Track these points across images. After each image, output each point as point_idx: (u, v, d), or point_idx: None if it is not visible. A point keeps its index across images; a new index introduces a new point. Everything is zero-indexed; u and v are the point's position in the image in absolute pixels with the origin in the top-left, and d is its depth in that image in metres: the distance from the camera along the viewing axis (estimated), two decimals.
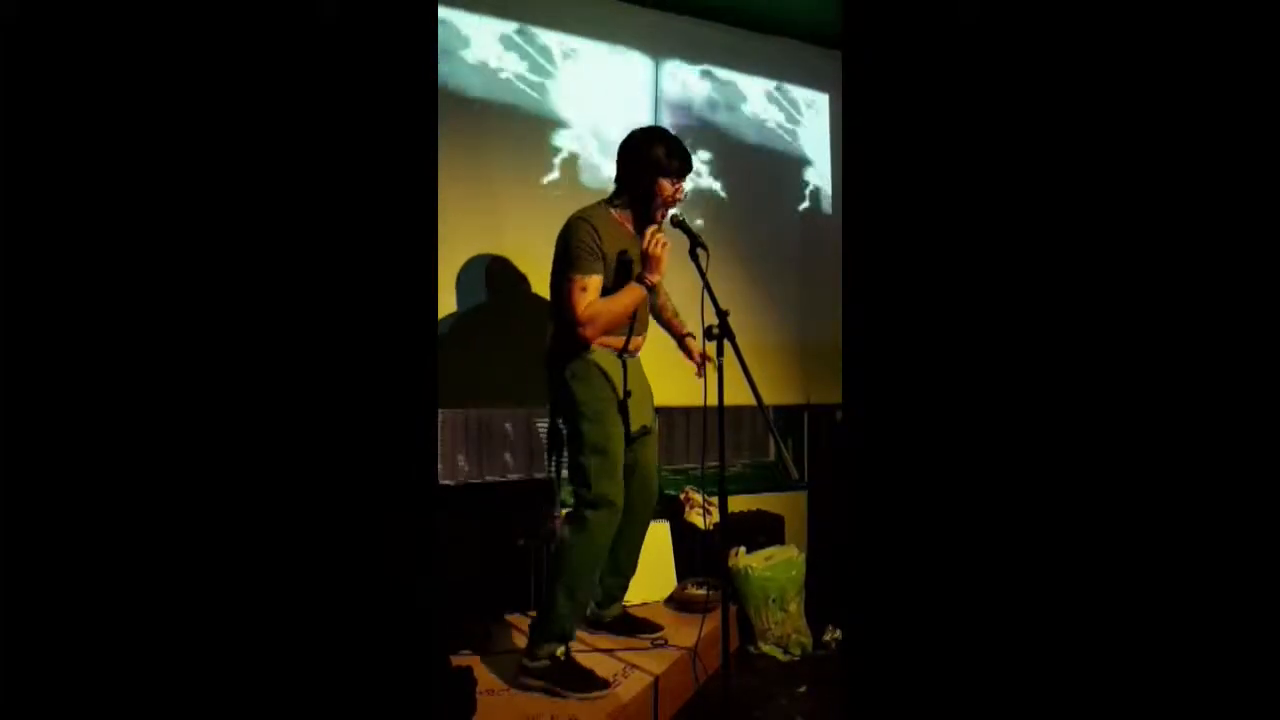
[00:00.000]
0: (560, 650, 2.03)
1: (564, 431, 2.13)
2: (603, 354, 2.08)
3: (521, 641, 2.19)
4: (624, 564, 2.37)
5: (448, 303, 2.69)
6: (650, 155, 2.06)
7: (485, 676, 2.00)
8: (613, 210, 2.12)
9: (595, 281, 1.98)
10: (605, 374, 2.07)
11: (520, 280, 2.77)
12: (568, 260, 2.00)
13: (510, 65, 2.86)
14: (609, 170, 2.27)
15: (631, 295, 2.01)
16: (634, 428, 2.12)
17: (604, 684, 1.98)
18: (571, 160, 2.97)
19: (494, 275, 2.77)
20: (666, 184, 2.07)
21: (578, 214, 2.08)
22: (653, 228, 2.02)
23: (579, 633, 2.29)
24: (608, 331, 2.04)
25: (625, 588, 2.43)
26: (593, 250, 1.98)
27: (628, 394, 2.10)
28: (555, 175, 2.94)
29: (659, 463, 2.44)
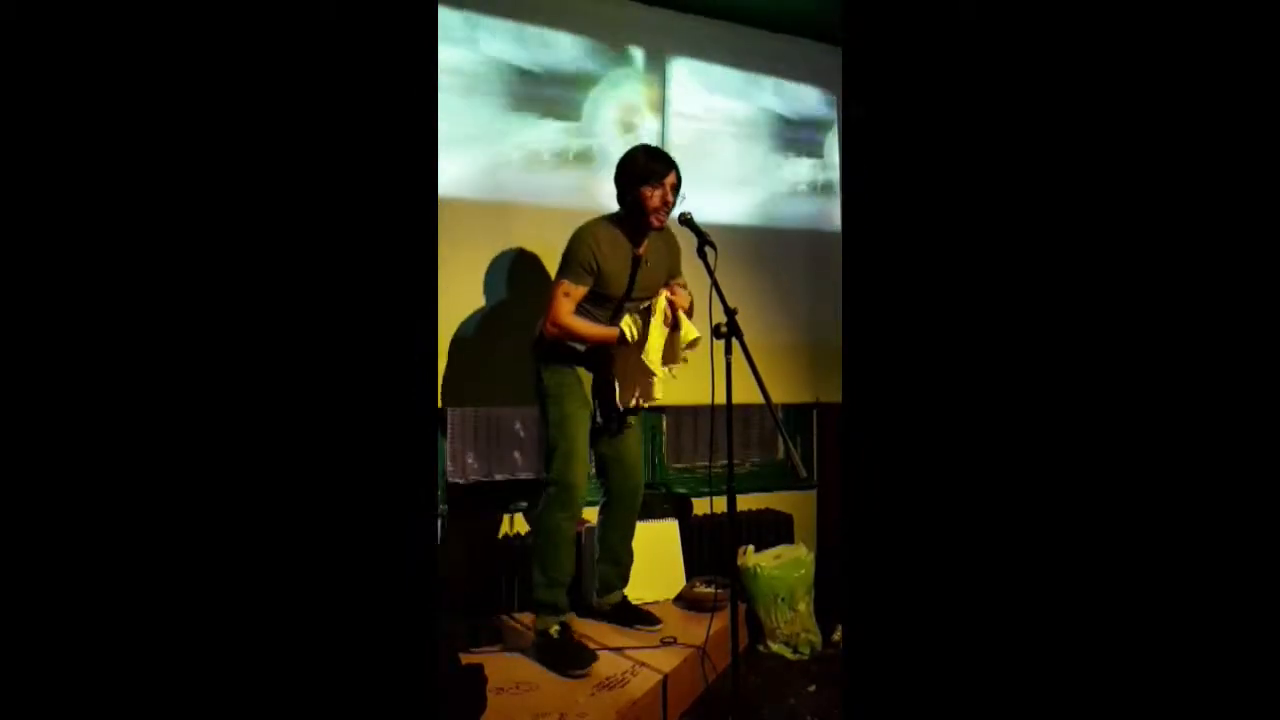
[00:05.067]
0: (554, 628, 2.16)
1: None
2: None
3: (531, 639, 2.24)
4: (617, 551, 2.46)
5: (461, 304, 2.70)
6: (630, 167, 2.20)
7: (496, 674, 2.00)
8: (615, 225, 2.25)
9: (579, 291, 2.19)
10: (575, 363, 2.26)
11: (535, 282, 2.78)
12: (563, 266, 2.21)
13: (513, 62, 2.87)
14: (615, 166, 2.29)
15: (602, 333, 2.24)
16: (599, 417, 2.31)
17: (590, 658, 2.10)
18: (580, 157, 2.97)
19: (509, 276, 2.78)
20: (649, 190, 2.16)
21: (585, 226, 2.23)
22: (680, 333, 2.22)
23: (586, 627, 2.33)
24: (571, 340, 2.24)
25: (624, 577, 2.49)
26: (586, 264, 2.17)
27: (606, 380, 2.31)
28: (564, 173, 2.94)
29: (644, 454, 2.64)
